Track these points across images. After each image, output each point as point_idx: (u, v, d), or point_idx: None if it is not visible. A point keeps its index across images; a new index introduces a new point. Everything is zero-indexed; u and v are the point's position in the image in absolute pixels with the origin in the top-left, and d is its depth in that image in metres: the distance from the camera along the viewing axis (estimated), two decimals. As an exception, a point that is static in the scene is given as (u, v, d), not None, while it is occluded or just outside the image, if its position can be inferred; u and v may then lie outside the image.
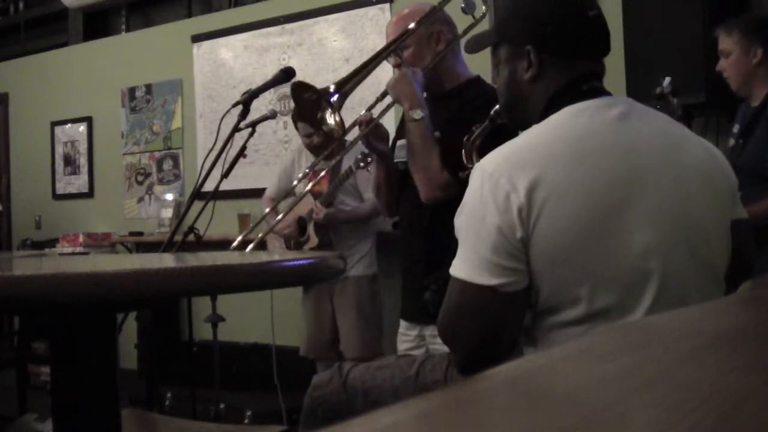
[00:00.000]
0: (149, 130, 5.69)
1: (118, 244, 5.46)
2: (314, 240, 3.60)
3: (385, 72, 4.45)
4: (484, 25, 2.31)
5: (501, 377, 0.46)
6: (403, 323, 2.33)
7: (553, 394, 0.41)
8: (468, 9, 2.24)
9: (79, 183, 6.10)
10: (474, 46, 1.74)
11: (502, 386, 0.44)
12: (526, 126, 1.41)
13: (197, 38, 5.40)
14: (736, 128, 2.67)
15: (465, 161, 1.95)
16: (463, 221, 1.32)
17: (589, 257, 1.25)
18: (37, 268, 1.25)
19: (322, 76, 4.60)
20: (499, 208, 1.24)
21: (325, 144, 3.38)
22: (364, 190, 3.62)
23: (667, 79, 2.69)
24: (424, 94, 2.18)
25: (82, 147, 6.08)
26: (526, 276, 1.26)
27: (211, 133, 5.04)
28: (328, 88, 2.13)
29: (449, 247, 2.07)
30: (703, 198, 1.35)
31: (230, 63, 5.25)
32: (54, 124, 6.24)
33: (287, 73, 2.31)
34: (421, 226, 2.23)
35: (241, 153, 2.27)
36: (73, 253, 5.13)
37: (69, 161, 6.17)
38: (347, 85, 2.14)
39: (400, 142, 2.29)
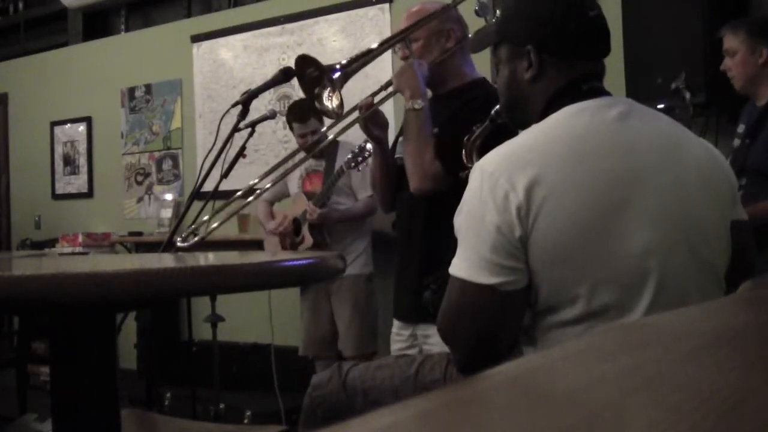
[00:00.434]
0: (149, 130, 5.69)
1: (117, 244, 5.46)
2: (309, 241, 3.61)
3: (385, 73, 4.45)
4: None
5: (501, 377, 0.46)
6: (396, 323, 2.33)
7: (553, 394, 0.41)
8: (481, 12, 2.27)
9: (79, 183, 6.10)
10: (476, 45, 1.75)
11: (501, 386, 0.44)
12: (525, 126, 1.41)
13: (197, 38, 5.40)
14: (741, 128, 2.67)
15: (465, 161, 1.95)
16: (462, 220, 1.32)
17: (588, 256, 1.25)
18: (36, 268, 1.25)
19: (321, 76, 4.60)
20: (498, 207, 1.24)
21: (316, 146, 3.39)
22: (358, 190, 3.64)
23: (682, 75, 2.70)
24: (429, 93, 2.18)
25: (82, 147, 6.08)
26: (525, 275, 1.27)
27: (210, 133, 5.04)
28: (332, 65, 2.13)
29: (444, 247, 2.07)
30: (703, 198, 1.35)
31: (230, 63, 5.25)
32: (53, 124, 6.24)
33: (287, 74, 2.31)
34: (416, 226, 2.23)
35: (241, 153, 2.27)
36: (73, 253, 5.13)
37: (68, 161, 6.17)
38: (352, 65, 2.15)
39: (401, 139, 2.30)
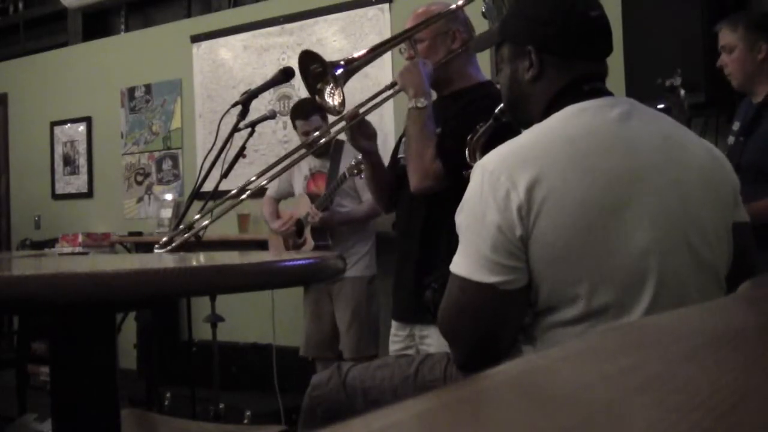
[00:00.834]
0: (149, 130, 5.68)
1: (117, 244, 5.46)
2: (310, 243, 3.60)
3: (385, 72, 4.45)
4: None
5: (501, 377, 0.46)
6: (394, 323, 2.33)
7: (553, 394, 0.41)
8: (488, 14, 2.28)
9: (79, 183, 6.10)
10: (478, 45, 1.75)
11: (501, 386, 0.44)
12: (528, 125, 1.41)
13: (197, 38, 5.39)
14: (736, 125, 2.64)
15: (468, 160, 1.95)
16: (463, 219, 1.32)
17: (589, 256, 1.25)
18: (36, 268, 1.25)
19: (321, 76, 4.60)
20: (499, 206, 1.24)
21: (322, 146, 3.39)
22: (362, 192, 3.63)
23: (678, 71, 2.67)
24: (434, 94, 2.19)
25: (82, 147, 6.08)
26: (525, 274, 1.27)
27: (210, 133, 5.04)
28: (335, 61, 2.13)
29: (443, 247, 2.08)
30: (704, 199, 1.35)
31: (230, 63, 5.25)
32: (53, 124, 6.24)
33: (286, 74, 2.31)
34: (415, 226, 2.23)
35: (241, 153, 2.27)
36: (73, 253, 5.13)
37: (68, 161, 6.17)
38: (355, 62, 2.15)
39: (405, 138, 2.30)
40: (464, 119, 2.08)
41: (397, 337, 2.30)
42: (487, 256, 1.26)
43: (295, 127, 3.82)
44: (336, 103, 2.13)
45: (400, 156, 2.35)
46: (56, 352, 1.32)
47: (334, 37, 4.78)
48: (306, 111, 3.65)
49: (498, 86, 1.98)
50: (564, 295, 1.27)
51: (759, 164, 2.44)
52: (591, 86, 1.39)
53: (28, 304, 1.02)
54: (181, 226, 2.16)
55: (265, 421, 3.88)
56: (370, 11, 4.64)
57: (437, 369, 1.62)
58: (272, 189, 3.85)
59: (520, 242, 1.24)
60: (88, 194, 6.03)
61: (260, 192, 4.11)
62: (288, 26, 4.97)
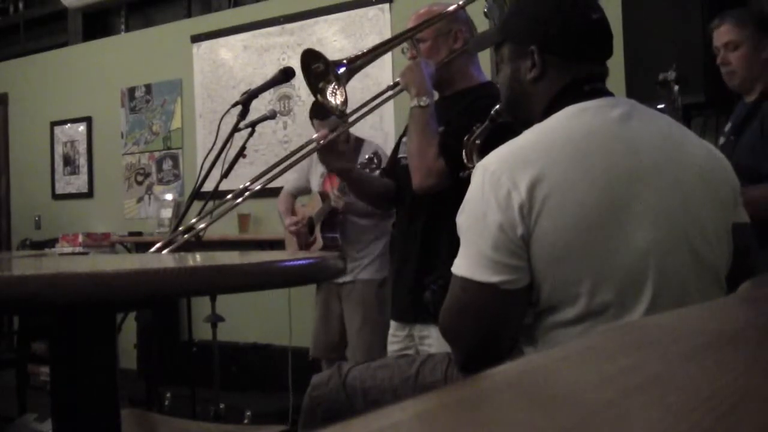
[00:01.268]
0: (149, 130, 5.69)
1: (117, 244, 5.46)
2: (320, 242, 3.57)
3: (385, 72, 4.46)
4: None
5: (501, 377, 0.46)
6: (392, 323, 2.32)
7: (553, 394, 0.41)
8: (490, 14, 2.28)
9: (79, 183, 6.10)
10: (478, 45, 1.75)
11: (502, 386, 0.44)
12: (528, 125, 1.41)
13: (197, 38, 5.40)
14: (728, 127, 2.62)
15: (465, 160, 1.95)
16: (464, 219, 1.33)
17: (589, 255, 1.26)
18: (36, 268, 1.25)
19: (321, 76, 4.60)
20: (501, 205, 1.25)
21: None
22: None
23: (673, 66, 2.65)
24: (436, 94, 2.19)
25: (82, 147, 6.08)
26: (527, 273, 1.27)
27: (210, 133, 5.04)
28: (338, 60, 2.13)
29: (443, 248, 2.08)
30: (704, 199, 1.35)
31: (230, 63, 5.25)
32: (53, 124, 6.24)
33: (287, 74, 2.31)
34: (416, 226, 2.23)
35: (241, 153, 2.27)
36: (73, 253, 5.14)
37: (68, 161, 6.17)
38: (358, 61, 2.15)
39: (405, 139, 2.30)
40: (467, 118, 2.09)
41: (395, 338, 2.29)
42: (489, 256, 1.26)
43: (313, 124, 3.80)
44: (338, 102, 2.13)
45: (400, 156, 2.34)
46: (56, 352, 1.32)
47: (335, 37, 4.79)
48: (324, 111, 3.62)
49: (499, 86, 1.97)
50: (565, 294, 1.28)
51: (749, 163, 2.42)
52: (592, 86, 1.40)
53: (28, 304, 1.02)
54: (180, 228, 2.15)
55: (265, 421, 3.88)
56: (371, 11, 4.64)
57: (438, 370, 1.62)
58: (290, 184, 3.81)
59: (521, 241, 1.25)
60: (89, 194, 6.03)
61: (261, 192, 4.11)
62: (288, 26, 4.97)
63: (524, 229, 1.24)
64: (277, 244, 4.69)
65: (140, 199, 5.70)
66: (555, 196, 1.24)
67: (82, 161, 6.08)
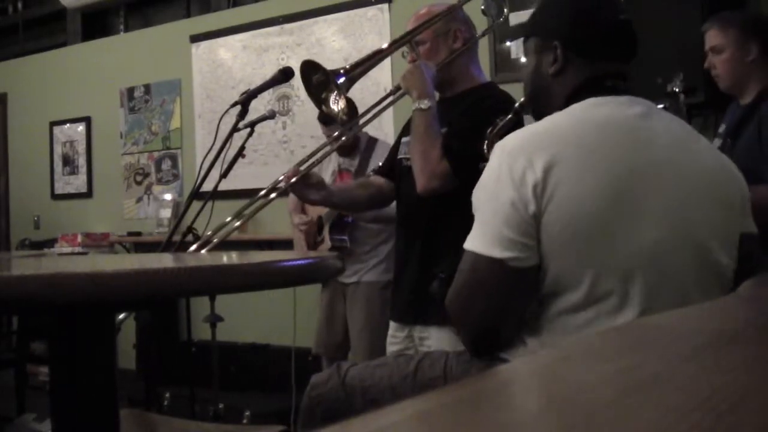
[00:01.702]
0: (148, 130, 5.68)
1: (116, 244, 5.46)
2: (328, 243, 3.57)
3: (385, 73, 4.46)
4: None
5: (501, 377, 0.46)
6: (392, 324, 2.32)
7: (553, 395, 0.41)
8: (488, 11, 2.28)
9: (78, 183, 6.10)
10: (509, 36, 1.80)
11: (501, 386, 0.44)
12: None
13: (196, 38, 5.39)
14: (722, 128, 2.62)
15: (486, 152, 1.95)
16: (479, 196, 1.36)
17: (594, 244, 1.28)
18: (36, 268, 1.25)
19: (320, 76, 4.60)
20: (515, 182, 1.28)
21: (348, 144, 3.39)
22: None
23: (680, 76, 2.65)
24: (437, 95, 2.18)
25: (81, 147, 6.08)
26: (535, 253, 1.29)
27: (209, 133, 5.04)
28: (337, 69, 2.13)
29: (445, 249, 2.08)
30: (712, 202, 1.37)
31: (229, 63, 5.25)
32: (53, 124, 6.24)
33: (286, 74, 2.31)
34: (417, 228, 2.23)
35: (240, 153, 2.27)
36: (72, 253, 5.14)
37: (68, 161, 6.17)
38: (357, 69, 2.15)
39: (405, 139, 2.30)
40: (469, 120, 2.09)
41: (395, 338, 2.29)
42: (500, 232, 1.28)
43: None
44: (341, 109, 2.14)
45: (400, 157, 2.34)
46: (56, 352, 1.32)
47: (334, 37, 4.78)
48: (330, 118, 3.62)
49: (500, 87, 1.97)
50: (569, 278, 1.30)
51: (746, 166, 2.42)
52: (611, 83, 1.44)
53: (27, 304, 1.02)
54: (208, 232, 2.16)
55: (264, 421, 3.88)
56: (370, 11, 4.64)
57: (437, 366, 1.62)
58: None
59: (532, 219, 1.27)
60: (88, 194, 6.03)
61: (259, 192, 4.11)
62: (287, 26, 4.97)
63: (536, 207, 1.26)
64: (276, 244, 4.69)
65: (139, 199, 5.70)
66: (569, 180, 1.26)
67: (81, 161, 6.08)
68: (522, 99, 1.80)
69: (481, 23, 2.45)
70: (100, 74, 5.89)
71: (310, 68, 2.16)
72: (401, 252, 2.34)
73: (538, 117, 1.58)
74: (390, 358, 1.79)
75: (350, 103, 2.16)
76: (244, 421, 3.93)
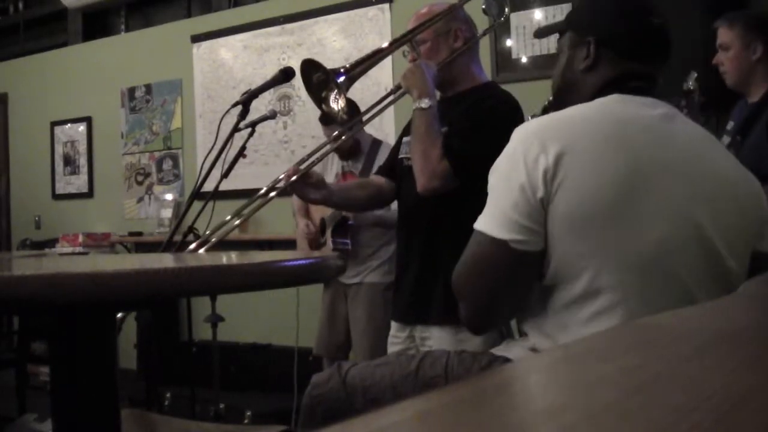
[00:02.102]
0: (149, 130, 5.69)
1: (117, 244, 5.46)
2: (330, 246, 3.56)
3: (385, 72, 4.46)
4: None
5: (500, 377, 0.46)
6: (393, 324, 2.32)
7: (553, 395, 0.41)
8: (489, 10, 2.28)
9: (79, 183, 6.10)
10: (544, 32, 1.82)
11: (502, 387, 0.44)
12: None
13: (197, 38, 5.40)
14: (730, 125, 2.63)
15: None
16: (494, 177, 1.37)
17: (600, 236, 1.29)
18: (36, 268, 1.25)
19: (321, 76, 4.60)
20: (527, 166, 1.29)
21: (351, 147, 3.39)
22: None
23: (693, 75, 2.66)
24: (438, 94, 2.18)
25: (82, 147, 6.08)
26: (541, 239, 1.30)
27: (210, 133, 5.04)
28: (337, 68, 2.13)
29: (446, 249, 2.08)
30: (726, 210, 1.37)
31: (230, 63, 5.25)
32: (53, 124, 6.24)
33: (287, 74, 2.30)
34: (418, 228, 2.22)
35: (241, 153, 2.26)
36: (73, 253, 5.14)
37: (68, 161, 6.17)
38: (357, 68, 2.15)
39: (406, 139, 2.29)
40: (470, 119, 2.09)
41: (396, 339, 2.29)
42: (506, 214, 1.30)
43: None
44: (341, 108, 2.14)
45: (401, 156, 2.34)
46: (56, 352, 1.32)
47: (334, 37, 4.79)
48: (329, 117, 3.62)
49: (501, 86, 1.96)
50: (570, 269, 1.30)
51: (753, 164, 2.43)
52: (637, 84, 1.45)
53: (28, 304, 1.02)
54: (209, 232, 2.16)
55: (265, 421, 3.88)
56: (370, 11, 4.64)
57: (438, 365, 1.62)
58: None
59: (540, 204, 1.28)
60: (89, 194, 6.03)
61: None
62: (288, 26, 4.97)
63: (545, 193, 1.27)
64: (277, 244, 4.69)
65: (140, 199, 5.71)
66: (579, 171, 1.27)
67: (82, 161, 6.08)
68: (550, 98, 1.81)
69: (482, 23, 2.45)
70: (101, 74, 5.89)
71: (311, 67, 2.16)
72: (402, 252, 2.33)
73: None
74: (391, 357, 1.78)
75: (350, 103, 2.16)
76: (245, 421, 3.94)
